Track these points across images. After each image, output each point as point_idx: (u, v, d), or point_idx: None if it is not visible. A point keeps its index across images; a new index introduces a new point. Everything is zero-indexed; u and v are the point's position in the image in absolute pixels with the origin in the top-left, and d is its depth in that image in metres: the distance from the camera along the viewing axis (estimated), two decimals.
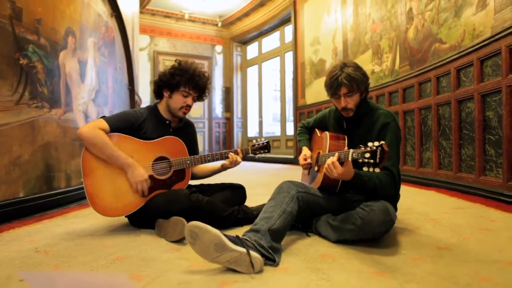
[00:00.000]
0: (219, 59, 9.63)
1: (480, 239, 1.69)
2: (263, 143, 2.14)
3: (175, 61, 2.08)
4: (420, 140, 3.81)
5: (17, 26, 2.33)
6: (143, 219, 1.94)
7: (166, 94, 2.05)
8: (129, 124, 1.95)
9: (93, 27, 3.56)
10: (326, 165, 1.57)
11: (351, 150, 1.47)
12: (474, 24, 3.04)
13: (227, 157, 2.06)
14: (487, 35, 2.86)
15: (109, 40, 4.16)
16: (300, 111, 6.91)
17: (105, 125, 1.86)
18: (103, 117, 1.92)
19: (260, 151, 2.14)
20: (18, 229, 1.97)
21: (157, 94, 2.11)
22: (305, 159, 1.96)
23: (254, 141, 2.16)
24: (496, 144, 2.76)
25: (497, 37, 2.71)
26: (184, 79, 2.00)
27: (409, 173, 3.92)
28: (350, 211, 1.63)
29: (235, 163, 2.06)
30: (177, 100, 2.03)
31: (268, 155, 2.18)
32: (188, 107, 2.06)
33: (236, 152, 2.06)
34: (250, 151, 2.12)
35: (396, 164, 1.73)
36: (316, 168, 1.93)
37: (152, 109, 2.09)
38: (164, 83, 2.04)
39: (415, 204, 2.63)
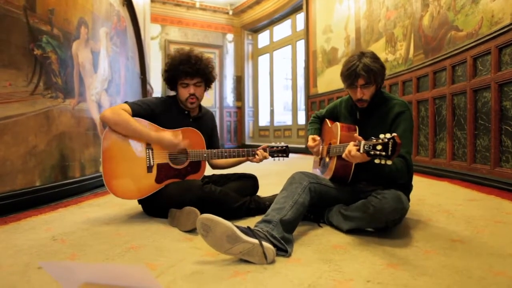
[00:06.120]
0: (230, 47, 9.57)
1: (494, 232, 1.67)
2: (282, 147, 2.13)
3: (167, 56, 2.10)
4: (433, 130, 3.75)
5: (31, 16, 2.35)
6: (156, 208, 1.97)
7: (175, 92, 2.10)
8: (150, 110, 1.97)
9: (105, 16, 3.57)
10: (345, 153, 1.54)
11: (363, 142, 1.45)
12: (492, 11, 2.95)
13: (243, 155, 2.07)
14: (506, 22, 2.78)
15: (121, 30, 4.17)
16: (311, 100, 6.85)
17: (128, 108, 1.90)
18: (126, 102, 1.95)
19: (278, 154, 2.13)
20: (35, 218, 2.02)
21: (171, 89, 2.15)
22: (314, 140, 1.89)
23: (273, 143, 2.15)
24: None
25: None
26: (175, 72, 2.00)
27: (422, 164, 3.88)
28: (362, 200, 1.62)
29: (261, 160, 2.09)
30: (181, 93, 2.05)
31: None
32: (193, 96, 2.02)
33: (264, 150, 2.09)
34: (268, 154, 2.10)
35: (410, 153, 1.71)
36: (327, 159, 1.92)
37: (173, 99, 2.11)
38: (166, 82, 2.08)
39: (428, 195, 2.60)
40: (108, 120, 1.84)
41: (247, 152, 2.07)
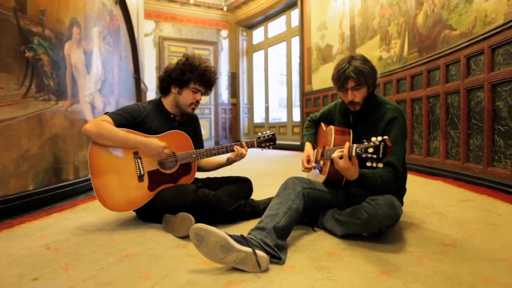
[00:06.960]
0: (224, 44, 9.52)
1: (485, 235, 1.69)
2: (268, 136, 2.12)
3: (183, 55, 2.07)
4: (427, 129, 3.77)
5: (21, 18, 2.32)
6: (150, 213, 1.96)
7: (174, 90, 2.05)
8: (132, 118, 1.95)
9: (97, 16, 3.53)
10: (333, 156, 1.56)
11: (355, 145, 1.46)
12: (486, 11, 2.96)
13: (232, 150, 2.06)
14: (499, 22, 2.79)
15: (114, 29, 4.13)
16: (306, 97, 6.85)
17: (109, 120, 1.87)
18: (106, 113, 1.93)
19: (265, 143, 2.13)
20: (28, 224, 2.01)
21: (163, 90, 2.10)
22: (308, 161, 1.91)
23: (259, 133, 2.14)
24: (505, 135, 2.72)
25: (510, 24, 2.63)
26: (195, 76, 2.01)
27: (416, 162, 3.90)
28: (356, 205, 1.63)
29: (240, 156, 2.06)
30: (187, 96, 2.03)
31: None
32: (197, 102, 2.07)
33: (241, 145, 2.06)
34: (255, 144, 2.11)
35: (401, 159, 1.71)
36: (322, 163, 1.92)
37: (156, 103, 2.09)
38: (174, 80, 2.03)
39: (422, 195, 2.62)
40: (91, 132, 1.81)
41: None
